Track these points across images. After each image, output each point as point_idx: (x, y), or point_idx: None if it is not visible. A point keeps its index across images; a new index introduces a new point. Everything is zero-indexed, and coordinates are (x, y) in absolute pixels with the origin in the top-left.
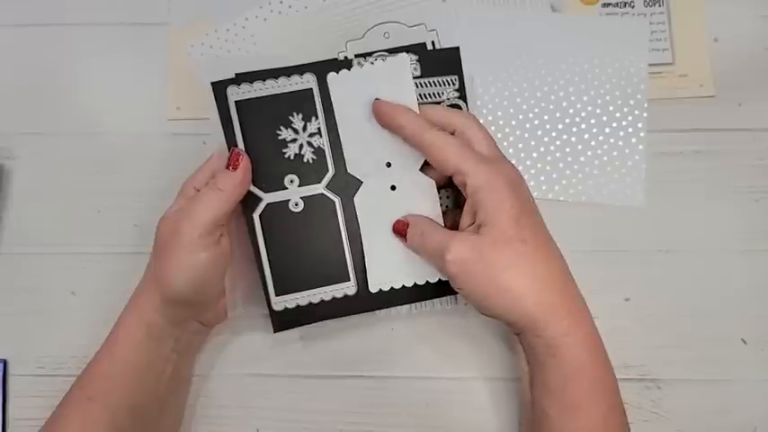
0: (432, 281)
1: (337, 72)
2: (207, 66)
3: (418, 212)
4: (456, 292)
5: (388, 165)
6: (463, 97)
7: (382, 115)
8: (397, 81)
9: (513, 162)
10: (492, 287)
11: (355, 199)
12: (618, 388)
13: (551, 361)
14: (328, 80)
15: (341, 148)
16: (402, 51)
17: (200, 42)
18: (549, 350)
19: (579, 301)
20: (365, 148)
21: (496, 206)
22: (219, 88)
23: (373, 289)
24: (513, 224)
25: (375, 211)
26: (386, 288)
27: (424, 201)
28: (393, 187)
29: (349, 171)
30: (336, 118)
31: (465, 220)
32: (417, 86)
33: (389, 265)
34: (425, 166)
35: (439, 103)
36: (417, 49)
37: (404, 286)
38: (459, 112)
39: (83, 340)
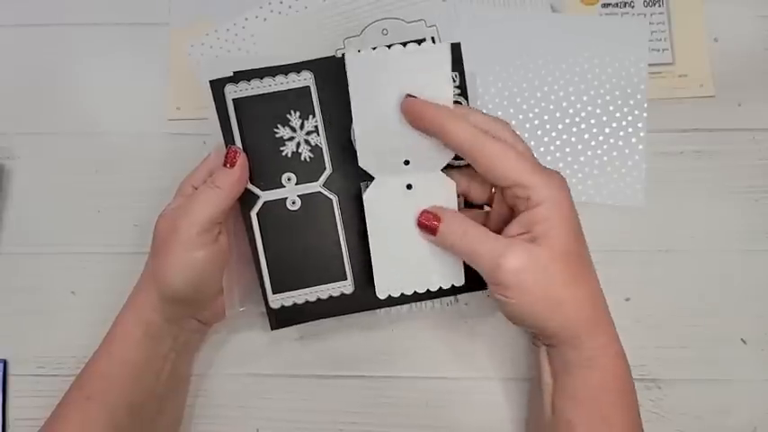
0: (444, 287)
1: (358, 52)
2: (207, 66)
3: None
4: (455, 293)
5: (407, 162)
6: (464, 94)
7: (421, 118)
8: (434, 74)
9: None
10: (545, 299)
11: (365, 195)
12: (637, 398)
13: (584, 373)
14: (347, 60)
15: (338, 147)
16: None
17: (201, 42)
18: (585, 362)
19: (609, 313)
20: (382, 141)
21: (560, 220)
22: (217, 86)
23: (381, 295)
24: (573, 239)
25: (386, 211)
26: (395, 294)
27: (443, 203)
28: (409, 186)
29: (360, 164)
30: (352, 103)
31: (514, 228)
32: None
33: (399, 270)
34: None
35: None
36: None
37: (415, 292)
38: (497, 119)
39: (83, 340)
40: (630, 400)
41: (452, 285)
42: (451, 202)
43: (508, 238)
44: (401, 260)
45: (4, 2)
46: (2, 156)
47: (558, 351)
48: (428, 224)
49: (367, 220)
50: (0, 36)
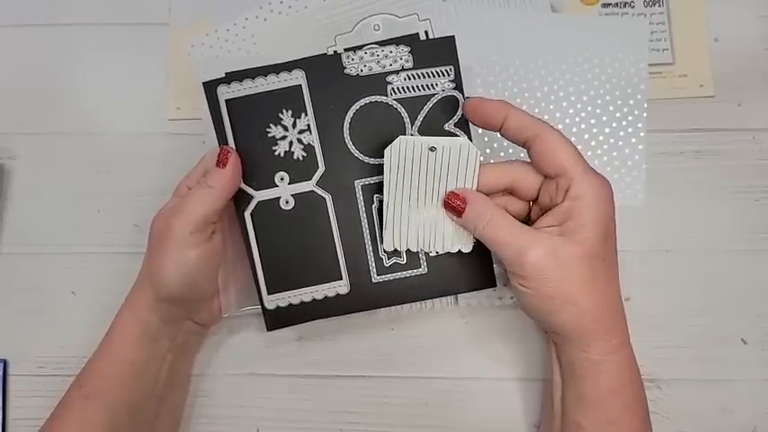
0: (452, 251)
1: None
2: (207, 66)
3: (456, 180)
4: (452, 293)
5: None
6: (459, 88)
7: (484, 110)
8: (463, 167)
9: None
10: (561, 296)
11: (386, 151)
12: (647, 402)
13: (593, 376)
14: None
15: (331, 145)
16: (393, 43)
17: (201, 42)
18: (591, 365)
19: (624, 317)
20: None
21: (595, 220)
22: (210, 87)
23: (387, 247)
24: (602, 242)
25: (405, 168)
26: (401, 248)
27: (464, 168)
28: (432, 148)
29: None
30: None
31: (547, 219)
32: (409, 78)
33: (409, 227)
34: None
35: (434, 95)
36: (408, 40)
37: (424, 253)
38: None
39: (83, 340)
40: (640, 405)
41: (459, 250)
42: (472, 169)
43: (535, 231)
44: (412, 218)
45: (3, 2)
46: (2, 156)
47: (565, 351)
48: (454, 206)
49: (385, 176)
50: (0, 36)
